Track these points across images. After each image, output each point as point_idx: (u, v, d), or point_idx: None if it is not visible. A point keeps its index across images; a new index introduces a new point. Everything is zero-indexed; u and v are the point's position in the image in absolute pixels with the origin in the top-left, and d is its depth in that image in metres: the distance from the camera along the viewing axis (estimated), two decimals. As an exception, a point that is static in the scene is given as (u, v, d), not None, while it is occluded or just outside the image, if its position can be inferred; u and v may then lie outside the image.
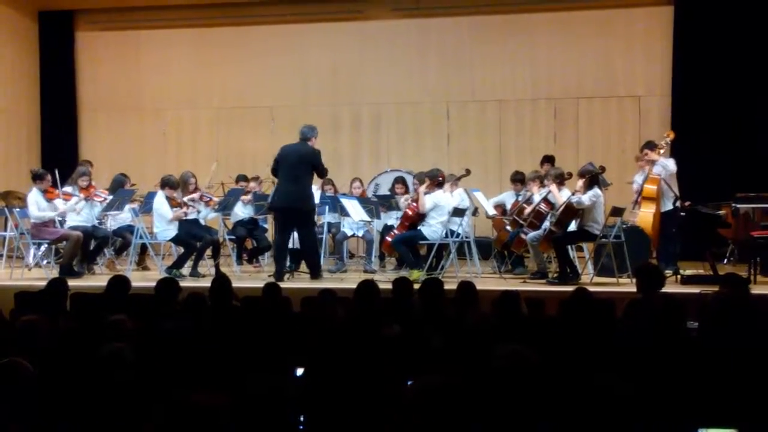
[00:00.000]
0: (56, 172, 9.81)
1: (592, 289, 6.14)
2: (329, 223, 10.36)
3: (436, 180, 9.38)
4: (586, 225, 8.64)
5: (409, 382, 3.81)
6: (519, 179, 10.11)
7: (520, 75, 12.66)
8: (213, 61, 13.36)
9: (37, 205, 9.29)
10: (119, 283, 6.30)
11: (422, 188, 9.32)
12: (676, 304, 4.89)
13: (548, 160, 10.64)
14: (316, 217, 10.36)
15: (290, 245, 9.34)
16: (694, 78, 11.61)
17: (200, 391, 2.84)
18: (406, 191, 10.44)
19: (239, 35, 13.37)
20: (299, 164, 8.98)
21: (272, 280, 8.28)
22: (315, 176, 9.28)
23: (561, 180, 9.15)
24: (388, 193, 10.93)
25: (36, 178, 9.45)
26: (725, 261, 10.20)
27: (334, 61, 13.09)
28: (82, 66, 13.79)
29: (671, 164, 9.29)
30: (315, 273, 9.06)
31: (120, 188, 10.11)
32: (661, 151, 9.38)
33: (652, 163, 9.28)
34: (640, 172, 9.69)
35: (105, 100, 13.68)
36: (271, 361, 4.25)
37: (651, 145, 9.44)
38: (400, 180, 10.63)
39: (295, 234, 9.29)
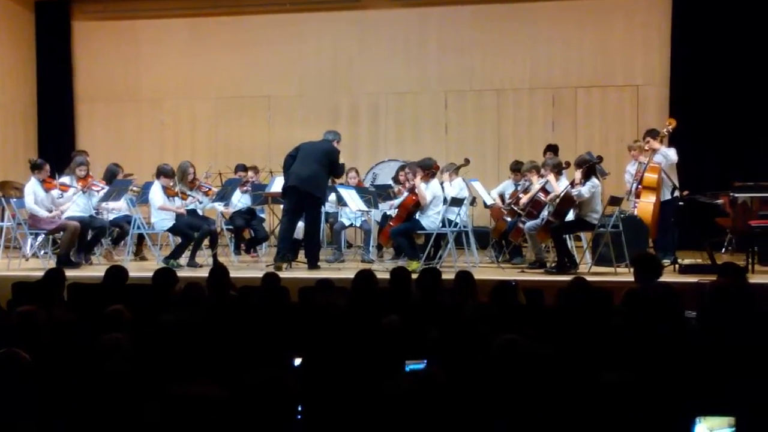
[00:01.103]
0: (56, 173, 9.80)
1: (589, 278, 6.14)
2: (327, 213, 10.35)
3: (430, 171, 9.33)
4: (584, 215, 8.63)
5: (408, 365, 3.82)
6: (518, 168, 10.09)
7: (519, 64, 12.65)
8: (210, 51, 13.32)
9: (34, 195, 9.25)
10: (116, 273, 6.30)
11: (418, 180, 9.27)
12: (674, 293, 4.89)
13: (551, 149, 10.63)
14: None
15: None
16: (692, 67, 11.60)
17: (198, 383, 2.84)
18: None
19: (237, 25, 13.33)
20: (320, 156, 9.07)
21: (271, 269, 8.27)
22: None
23: (559, 170, 9.13)
24: (387, 182, 10.92)
25: (34, 167, 9.43)
26: (723, 250, 10.20)
27: (333, 51, 13.07)
28: (78, 56, 13.76)
29: (672, 154, 9.26)
30: (312, 263, 9.05)
31: (113, 179, 10.08)
32: (664, 140, 9.34)
33: (654, 151, 9.25)
34: (632, 163, 9.67)
35: (102, 91, 13.64)
36: (269, 351, 4.24)
37: (653, 133, 9.40)
38: (403, 168, 10.63)
39: (298, 224, 9.30)
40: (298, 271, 8.98)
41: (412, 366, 3.88)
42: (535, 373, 3.35)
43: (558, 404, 3.13)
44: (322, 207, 9.57)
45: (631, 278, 5.94)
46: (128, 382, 3.55)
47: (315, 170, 9.00)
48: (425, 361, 3.93)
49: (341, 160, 9.54)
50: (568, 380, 3.41)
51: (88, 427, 3.31)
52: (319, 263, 9.19)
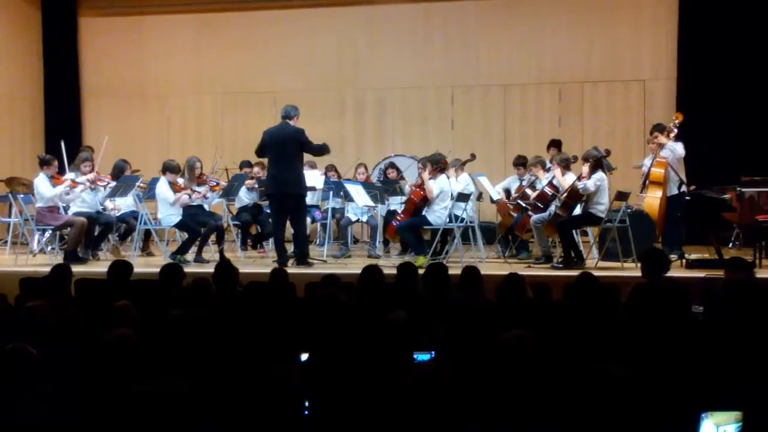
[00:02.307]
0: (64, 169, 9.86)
1: (596, 273, 6.13)
2: (333, 209, 10.36)
3: (438, 165, 9.31)
4: (591, 208, 8.61)
5: (415, 355, 3.82)
6: (521, 163, 10.08)
7: (525, 59, 12.63)
8: (217, 47, 13.34)
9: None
10: (120, 268, 6.29)
11: (425, 174, 9.26)
12: (681, 288, 4.88)
13: (555, 144, 10.62)
14: (320, 203, 10.36)
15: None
16: (699, 61, 11.56)
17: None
18: (398, 176, 10.48)
19: (243, 20, 13.34)
20: (286, 146, 8.81)
21: (276, 265, 8.27)
22: (312, 157, 9.33)
23: (566, 164, 9.11)
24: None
25: (43, 163, 9.46)
26: (730, 245, 10.17)
27: (339, 46, 13.07)
28: (85, 52, 13.79)
29: (679, 149, 9.20)
30: (300, 260, 8.89)
31: (121, 174, 10.10)
32: (671, 135, 9.30)
33: (661, 146, 9.22)
34: (650, 156, 9.63)
35: (109, 86, 13.67)
36: (277, 347, 4.24)
37: (660, 128, 9.36)
38: (391, 165, 10.72)
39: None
40: (304, 267, 8.97)
41: (419, 356, 3.88)
42: (542, 369, 3.34)
43: (563, 400, 3.13)
44: (305, 199, 9.35)
45: (638, 273, 5.93)
46: (135, 377, 3.55)
47: (288, 167, 8.80)
48: (432, 352, 3.93)
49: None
50: (573, 376, 3.40)
51: (94, 421, 3.31)
52: (309, 260, 8.98)
